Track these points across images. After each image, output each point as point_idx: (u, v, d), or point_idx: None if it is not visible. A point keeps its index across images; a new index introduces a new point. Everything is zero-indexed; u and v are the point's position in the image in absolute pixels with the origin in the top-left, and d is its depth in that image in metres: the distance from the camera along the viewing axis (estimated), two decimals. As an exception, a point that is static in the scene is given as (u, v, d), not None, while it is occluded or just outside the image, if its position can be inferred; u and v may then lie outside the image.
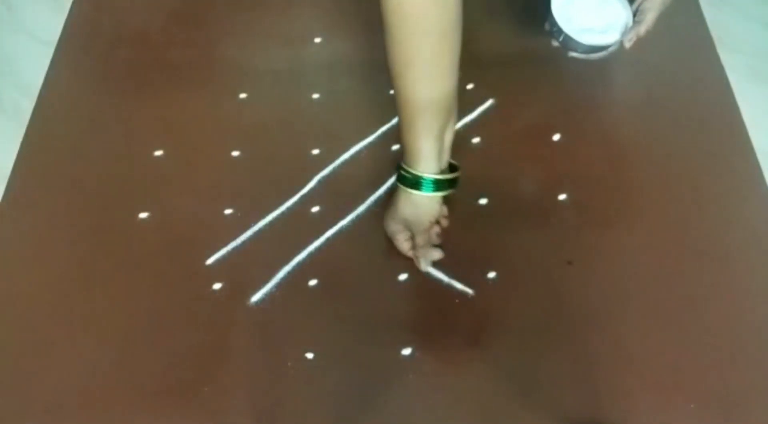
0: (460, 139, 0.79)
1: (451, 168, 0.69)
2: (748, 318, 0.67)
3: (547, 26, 0.76)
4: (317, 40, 0.90)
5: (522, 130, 0.81)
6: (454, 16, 0.59)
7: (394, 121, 0.81)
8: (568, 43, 0.74)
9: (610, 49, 0.74)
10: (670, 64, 0.86)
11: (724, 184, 0.76)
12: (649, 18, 0.72)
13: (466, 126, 0.80)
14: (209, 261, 0.71)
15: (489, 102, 0.82)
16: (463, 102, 0.81)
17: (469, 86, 0.84)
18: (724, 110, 0.81)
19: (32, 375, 0.65)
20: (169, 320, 0.68)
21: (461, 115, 0.81)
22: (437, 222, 0.70)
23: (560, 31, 0.73)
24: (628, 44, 0.72)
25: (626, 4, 0.74)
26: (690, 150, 0.78)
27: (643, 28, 0.71)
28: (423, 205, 0.67)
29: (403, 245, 0.70)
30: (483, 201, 0.75)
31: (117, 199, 0.76)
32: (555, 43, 0.76)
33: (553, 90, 0.83)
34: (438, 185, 0.66)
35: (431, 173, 0.66)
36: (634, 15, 0.73)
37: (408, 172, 0.66)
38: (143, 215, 0.75)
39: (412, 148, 0.65)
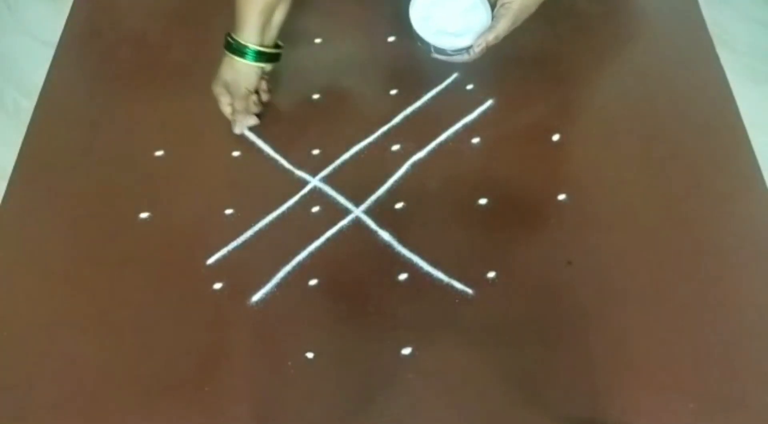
0: (460, 140, 0.79)
1: (277, 48, 0.78)
2: (747, 318, 0.67)
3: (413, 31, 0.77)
4: (317, 40, 0.90)
5: (522, 131, 0.81)
6: None
7: (395, 121, 0.81)
8: (422, 43, 0.76)
9: (474, 54, 0.74)
10: (670, 64, 0.86)
11: (724, 184, 0.76)
12: (501, 26, 0.72)
13: (466, 126, 0.80)
14: (209, 261, 0.71)
15: (489, 102, 0.82)
16: (463, 102, 0.82)
17: (469, 87, 0.83)
18: (723, 110, 0.81)
19: (32, 375, 0.66)
20: (169, 319, 0.68)
21: (461, 115, 0.81)
22: (256, 93, 0.78)
23: (416, 33, 0.75)
24: (476, 50, 0.73)
25: (489, 9, 0.73)
26: (690, 150, 0.78)
27: (491, 35, 0.72)
28: (241, 72, 0.75)
29: (225, 108, 0.78)
30: (483, 201, 0.75)
31: (117, 199, 0.76)
32: (420, 44, 0.77)
33: (553, 90, 0.83)
34: (256, 56, 0.74)
35: (253, 44, 0.73)
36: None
37: (233, 39, 0.74)
38: (143, 215, 0.75)
39: (238, 17, 0.73)
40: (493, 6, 0.73)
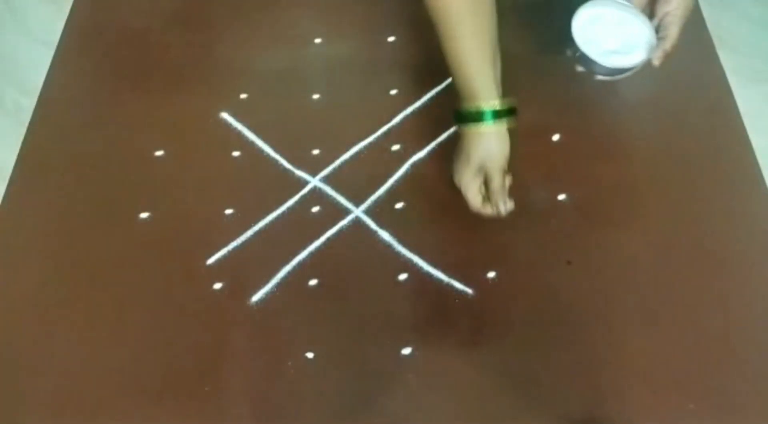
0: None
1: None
2: (747, 318, 0.67)
3: (569, 52, 0.73)
4: (317, 40, 0.90)
5: (522, 130, 0.80)
6: None
7: (395, 121, 0.81)
8: (594, 67, 0.71)
9: (636, 68, 0.72)
10: (670, 64, 0.85)
11: (724, 184, 0.76)
12: (673, 32, 0.70)
13: (466, 126, 0.80)
14: (210, 261, 0.71)
15: (489, 102, 0.82)
16: (463, 102, 0.82)
17: (469, 86, 0.83)
18: (723, 110, 0.81)
19: (32, 375, 0.66)
20: (170, 319, 0.68)
21: (461, 115, 0.81)
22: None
23: (584, 56, 0.70)
24: (657, 62, 0.70)
25: (646, 20, 0.71)
26: (690, 150, 0.78)
27: (668, 44, 0.69)
28: (493, 140, 0.66)
29: (477, 198, 0.68)
30: (483, 201, 0.75)
31: (117, 199, 0.76)
32: (580, 69, 0.73)
33: (553, 90, 0.83)
34: (499, 114, 0.66)
35: (491, 102, 0.65)
36: (656, 31, 0.71)
37: (469, 108, 0.66)
38: (144, 215, 0.75)
39: (467, 84, 0.65)
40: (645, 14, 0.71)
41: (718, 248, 0.71)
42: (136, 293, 0.70)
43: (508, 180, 0.69)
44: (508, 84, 0.83)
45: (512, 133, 0.80)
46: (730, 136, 0.79)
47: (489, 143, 0.66)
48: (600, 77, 0.74)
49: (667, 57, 0.70)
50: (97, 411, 0.64)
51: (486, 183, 0.68)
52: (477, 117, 0.65)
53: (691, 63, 0.86)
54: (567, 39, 0.72)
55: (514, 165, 0.77)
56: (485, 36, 0.65)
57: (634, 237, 0.72)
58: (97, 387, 0.65)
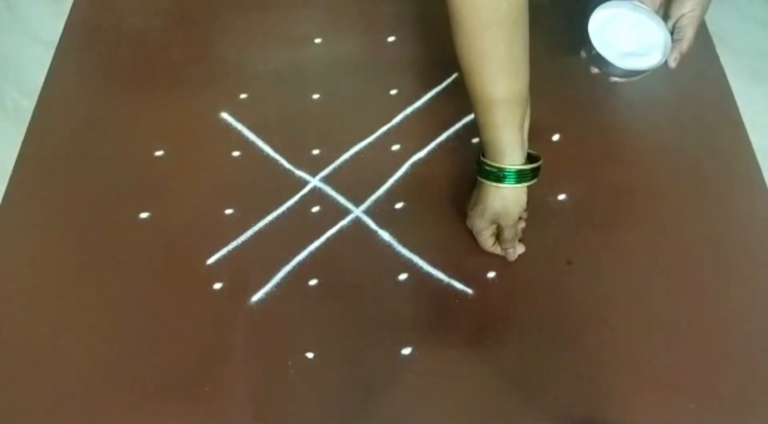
0: (460, 140, 0.79)
1: (531, 158, 0.67)
2: (747, 318, 0.67)
3: (583, 54, 0.73)
4: (317, 40, 0.90)
5: (522, 130, 0.81)
6: (523, 2, 0.58)
7: (394, 121, 0.81)
8: (610, 69, 0.71)
9: (651, 71, 0.72)
10: (670, 64, 0.86)
11: (724, 184, 0.76)
12: (689, 33, 0.70)
13: (466, 126, 0.80)
14: (210, 261, 0.71)
15: (489, 102, 0.82)
16: (463, 102, 0.81)
17: (469, 86, 0.83)
18: (723, 110, 0.81)
19: (32, 375, 0.66)
20: (169, 319, 0.68)
21: (461, 115, 0.81)
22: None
23: (600, 58, 0.70)
24: (673, 64, 0.70)
25: (660, 22, 0.71)
26: (690, 150, 0.78)
27: (685, 45, 0.70)
28: (511, 197, 0.66)
29: (488, 241, 0.69)
30: (483, 201, 0.75)
31: (117, 200, 0.76)
32: (595, 70, 0.73)
33: (553, 90, 0.83)
34: (522, 176, 0.65)
35: (516, 165, 0.64)
36: (672, 32, 0.71)
37: (492, 166, 0.64)
38: (144, 215, 0.75)
39: (495, 143, 0.64)
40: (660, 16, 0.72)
41: (719, 248, 0.71)
42: (136, 293, 0.70)
43: (521, 225, 0.70)
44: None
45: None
46: (730, 136, 0.79)
47: (507, 200, 0.66)
48: (615, 79, 0.74)
49: (683, 59, 0.70)
50: (97, 411, 0.64)
51: (499, 230, 0.69)
52: (499, 177, 0.64)
53: (691, 63, 0.86)
54: (581, 40, 0.71)
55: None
56: (521, 93, 0.63)
57: (635, 237, 0.72)
58: (97, 387, 0.65)
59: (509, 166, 0.64)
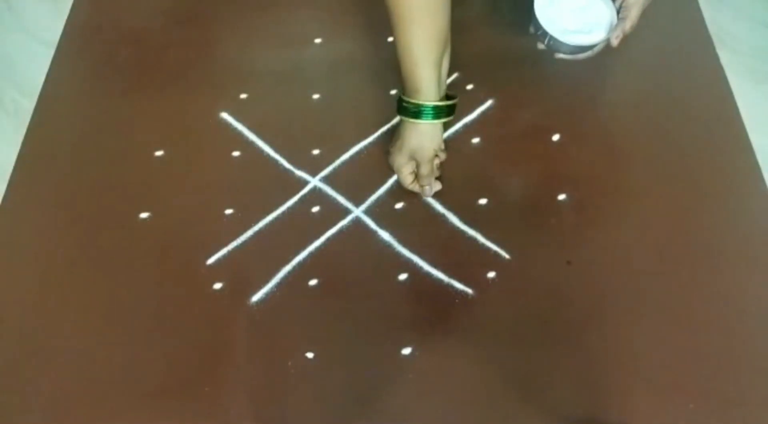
0: (460, 140, 0.79)
1: (448, 98, 0.72)
2: (747, 318, 0.67)
3: (532, 29, 0.75)
4: (317, 40, 0.90)
5: (522, 130, 0.81)
6: None
7: (395, 121, 0.81)
8: (554, 44, 0.74)
9: (596, 49, 0.74)
10: (670, 64, 0.86)
11: (724, 184, 0.76)
12: (634, 14, 0.72)
13: (466, 126, 0.80)
14: (210, 261, 0.72)
15: (489, 102, 0.82)
16: (463, 102, 0.82)
17: (469, 87, 0.84)
18: (723, 110, 0.81)
19: (32, 375, 0.66)
20: (170, 319, 0.68)
21: (461, 115, 0.81)
22: (436, 155, 0.73)
23: (545, 33, 0.73)
24: (615, 42, 0.72)
25: (608, 1, 0.73)
26: (690, 150, 0.78)
27: (628, 24, 0.72)
28: (427, 133, 0.71)
29: (408, 178, 0.74)
30: (483, 201, 0.75)
31: (118, 200, 0.76)
32: (541, 46, 0.76)
33: (553, 90, 0.83)
34: (438, 112, 0.70)
35: (431, 101, 0.69)
36: (618, 12, 0.72)
37: (409, 102, 0.69)
38: (144, 215, 0.75)
39: (412, 79, 0.69)
40: None
41: (718, 248, 0.71)
42: (136, 292, 0.70)
43: (440, 158, 0.74)
44: (507, 82, 0.84)
45: (512, 133, 0.80)
46: (730, 136, 0.79)
47: (423, 136, 0.71)
48: (560, 56, 0.76)
49: (626, 38, 0.71)
50: (97, 411, 0.64)
51: (417, 167, 0.73)
52: (416, 113, 0.69)
53: (691, 63, 0.86)
54: (531, 17, 0.74)
55: (514, 165, 0.78)
56: (438, 35, 0.67)
57: (634, 237, 0.72)
58: (97, 387, 0.65)
59: (425, 103, 0.69)
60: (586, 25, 0.73)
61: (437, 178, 0.74)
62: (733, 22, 0.91)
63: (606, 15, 0.73)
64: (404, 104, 0.70)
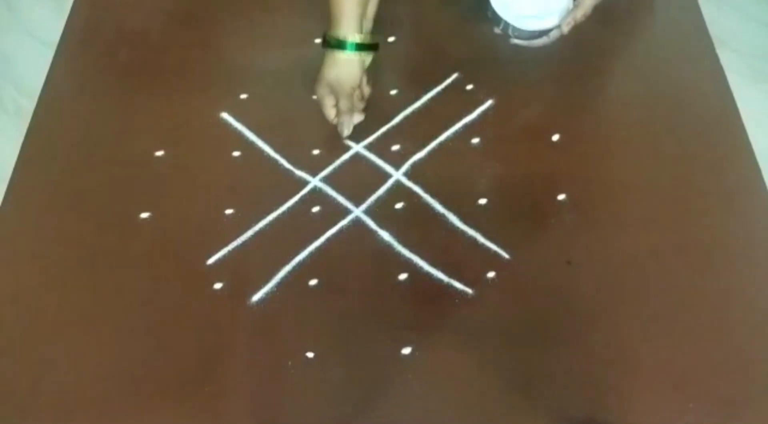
0: (460, 140, 0.79)
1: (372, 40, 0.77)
2: (746, 318, 0.67)
3: (489, 14, 0.77)
4: (317, 40, 0.89)
5: (521, 131, 0.81)
6: None
7: (395, 121, 0.81)
8: (508, 29, 0.76)
9: (552, 35, 0.75)
10: (670, 64, 0.86)
11: (724, 184, 0.76)
12: (587, 3, 0.73)
13: (466, 126, 0.80)
14: (210, 261, 0.72)
15: (488, 102, 0.82)
16: (463, 102, 0.82)
17: (469, 87, 0.84)
18: (723, 110, 0.81)
19: (33, 375, 0.66)
20: (170, 319, 0.68)
21: (461, 115, 0.81)
22: (360, 89, 0.78)
23: (499, 18, 0.75)
24: (565, 29, 0.74)
25: None
26: (689, 150, 0.78)
27: (579, 13, 0.73)
28: (345, 67, 0.76)
29: (330, 111, 0.78)
30: (482, 201, 0.75)
31: (118, 200, 0.76)
32: (497, 31, 0.78)
33: (553, 90, 0.83)
34: (358, 47, 0.75)
35: (353, 36, 0.74)
36: (574, 0, 0.74)
37: (331, 36, 0.75)
38: (144, 215, 0.75)
39: (335, 13, 0.74)
40: None
41: (718, 248, 0.71)
42: (136, 293, 0.70)
43: (357, 95, 0.78)
44: (507, 83, 0.84)
45: (512, 133, 0.80)
46: (730, 136, 0.79)
47: (341, 69, 0.75)
48: (515, 41, 0.78)
49: (577, 26, 0.74)
50: (98, 411, 0.64)
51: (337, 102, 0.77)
52: (336, 45, 0.75)
53: (691, 63, 0.86)
54: (487, 1, 0.76)
55: (513, 165, 0.78)
56: None
57: (634, 237, 0.72)
58: (97, 387, 0.65)
59: (348, 37, 0.74)
60: (541, 11, 0.75)
61: (364, 110, 0.79)
62: (734, 22, 0.91)
63: (562, 2, 0.74)
64: (327, 38, 0.75)
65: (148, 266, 0.72)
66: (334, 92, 0.76)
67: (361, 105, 0.79)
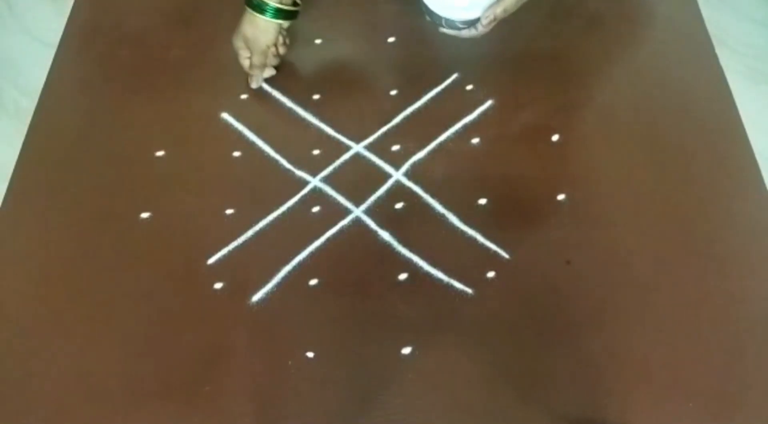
0: (460, 140, 0.79)
1: (295, 5, 0.79)
2: (746, 318, 0.67)
3: (422, 7, 0.78)
4: (317, 40, 0.90)
5: (521, 131, 0.81)
6: None
7: (395, 121, 0.81)
8: (433, 18, 0.77)
9: (480, 28, 0.75)
10: (669, 64, 0.86)
11: (723, 184, 0.76)
12: (509, 1, 0.73)
13: (466, 126, 0.80)
14: (210, 261, 0.72)
15: (488, 102, 0.82)
16: (463, 102, 0.82)
17: (469, 87, 0.84)
18: (722, 111, 0.81)
19: (32, 375, 0.66)
20: (170, 319, 0.68)
21: (461, 115, 0.81)
22: (276, 47, 0.81)
23: (425, 6, 0.76)
24: (484, 22, 0.74)
25: None
26: (689, 150, 0.78)
27: (500, 8, 0.73)
28: (261, 28, 0.78)
29: (244, 61, 0.82)
30: (482, 201, 0.75)
31: (118, 200, 0.76)
32: (428, 18, 0.79)
33: (553, 90, 0.83)
34: (276, 14, 0.77)
35: (273, 1, 0.75)
36: None
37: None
38: (144, 215, 0.75)
39: None
40: None
41: (718, 248, 0.71)
42: (136, 292, 0.70)
43: (272, 52, 0.81)
44: (507, 83, 0.84)
45: (512, 133, 0.80)
46: (730, 136, 0.79)
47: (257, 29, 0.78)
48: (443, 30, 0.79)
49: (497, 21, 0.74)
50: (97, 411, 0.64)
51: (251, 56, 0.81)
52: (258, 7, 0.76)
53: (691, 63, 0.86)
54: None
55: (513, 165, 0.78)
56: None
57: (634, 237, 0.72)
58: (97, 387, 0.65)
59: (269, 2, 0.75)
60: (471, 3, 0.74)
61: (275, 68, 0.83)
62: (733, 22, 0.91)
63: None
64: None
65: (148, 266, 0.72)
66: (249, 47, 0.80)
67: (274, 61, 0.83)
